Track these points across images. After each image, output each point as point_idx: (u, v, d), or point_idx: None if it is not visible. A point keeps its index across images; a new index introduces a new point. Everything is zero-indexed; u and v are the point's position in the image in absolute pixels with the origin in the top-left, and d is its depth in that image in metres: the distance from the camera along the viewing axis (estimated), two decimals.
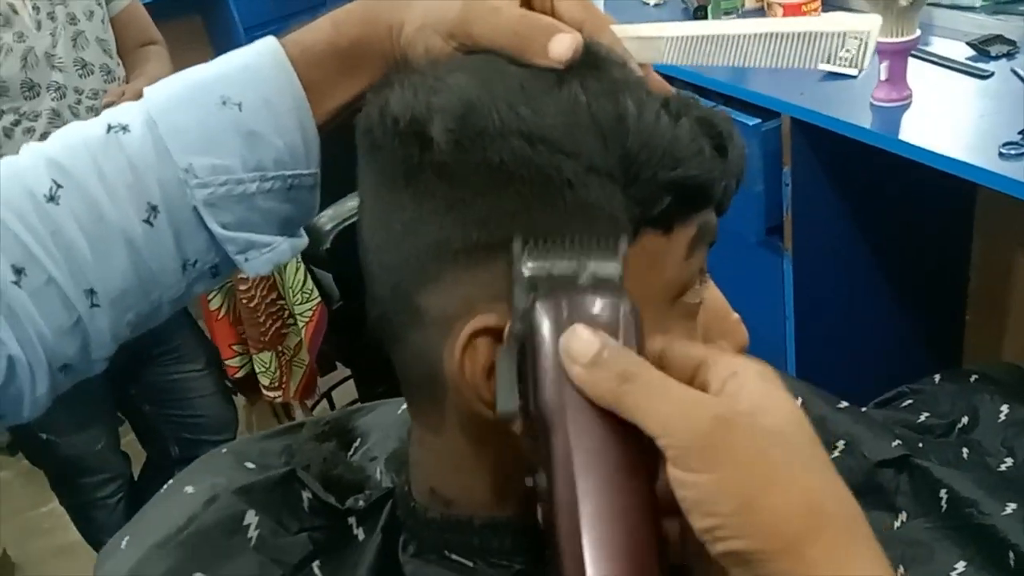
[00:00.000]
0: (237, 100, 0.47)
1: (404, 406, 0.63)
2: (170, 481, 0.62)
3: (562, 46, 0.42)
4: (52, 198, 0.46)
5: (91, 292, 0.47)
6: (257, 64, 0.48)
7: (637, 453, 0.35)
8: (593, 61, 0.44)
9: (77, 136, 0.48)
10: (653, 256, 0.43)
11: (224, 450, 0.63)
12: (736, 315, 0.51)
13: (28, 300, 0.46)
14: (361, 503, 0.54)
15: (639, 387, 0.35)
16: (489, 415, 0.41)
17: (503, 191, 0.41)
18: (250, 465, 0.60)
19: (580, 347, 0.36)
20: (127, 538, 0.57)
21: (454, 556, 0.49)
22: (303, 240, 0.53)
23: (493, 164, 0.40)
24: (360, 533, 0.53)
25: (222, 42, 2.76)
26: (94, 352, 0.50)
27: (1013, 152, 1.02)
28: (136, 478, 1.79)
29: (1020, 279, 1.61)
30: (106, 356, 0.52)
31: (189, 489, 0.58)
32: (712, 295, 0.48)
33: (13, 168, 0.47)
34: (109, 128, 0.47)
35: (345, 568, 0.52)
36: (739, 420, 0.34)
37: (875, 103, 1.24)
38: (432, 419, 0.47)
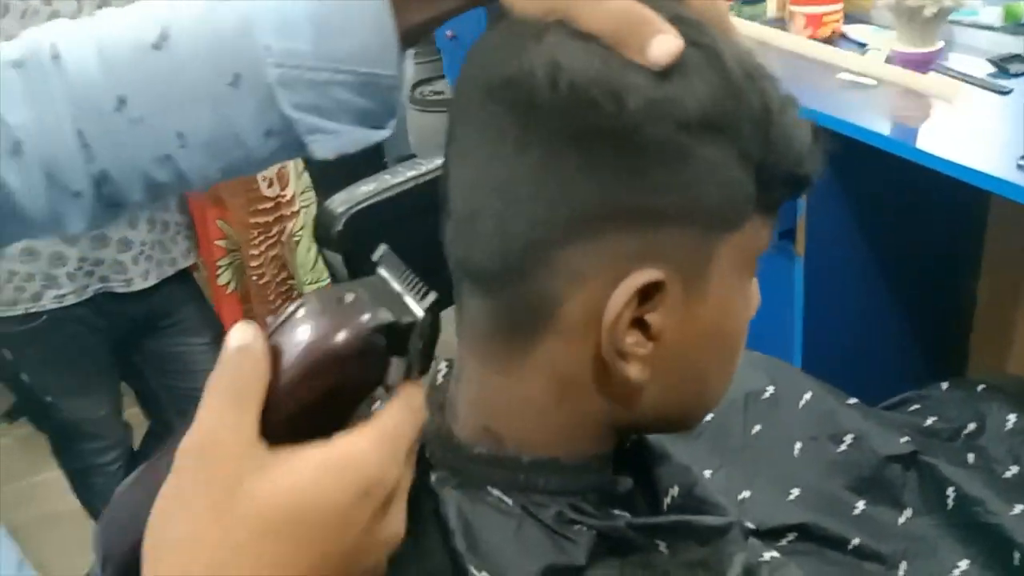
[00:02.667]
0: None
1: None
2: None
3: (662, 49, 0.43)
4: (156, 46, 0.51)
5: (180, 135, 0.53)
6: None
7: None
8: (735, 46, 0.46)
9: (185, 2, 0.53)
10: (754, 232, 0.48)
11: None
12: (754, 279, 0.54)
13: (124, 127, 0.52)
14: None
15: None
16: (620, 365, 0.46)
17: (675, 166, 0.44)
18: None
19: None
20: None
21: (495, 492, 0.50)
22: (381, 132, 0.55)
23: (670, 140, 0.43)
24: None
25: None
26: (193, 184, 0.56)
27: None
28: (137, 448, 1.79)
29: None
30: (203, 188, 0.58)
31: None
32: None
33: (134, 11, 0.53)
34: None
35: None
36: None
37: (894, 112, 1.25)
38: (508, 362, 0.49)
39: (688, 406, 0.54)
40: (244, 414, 0.37)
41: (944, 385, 1.08)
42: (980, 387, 1.06)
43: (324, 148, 0.53)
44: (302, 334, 0.39)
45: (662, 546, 0.51)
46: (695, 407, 0.55)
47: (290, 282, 1.79)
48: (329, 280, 1.75)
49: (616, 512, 0.52)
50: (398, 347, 0.40)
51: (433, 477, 0.52)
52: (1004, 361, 1.66)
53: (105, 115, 0.52)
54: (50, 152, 0.52)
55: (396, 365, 0.40)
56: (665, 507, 0.55)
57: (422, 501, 0.50)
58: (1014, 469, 0.95)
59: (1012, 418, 0.99)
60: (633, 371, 0.47)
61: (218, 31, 0.51)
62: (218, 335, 1.79)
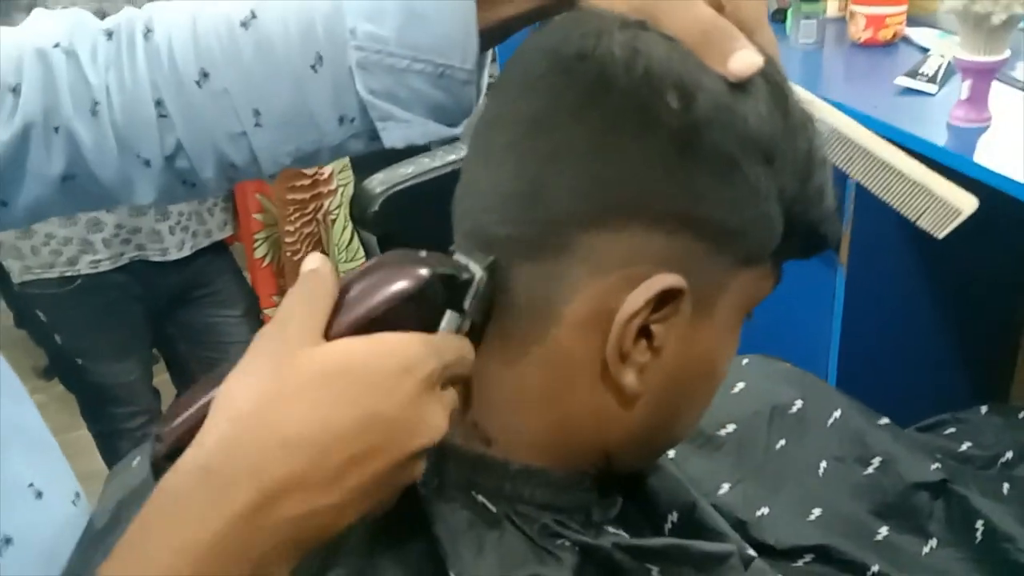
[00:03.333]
0: None
1: None
2: None
3: (743, 63, 0.44)
4: (244, 24, 0.54)
5: (257, 112, 0.55)
6: None
7: None
8: (785, 86, 0.47)
9: None
10: (762, 274, 0.48)
11: None
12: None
13: (205, 100, 0.55)
14: None
15: None
16: (619, 368, 0.45)
17: (724, 179, 0.44)
18: None
19: None
20: (138, 458, 0.57)
21: (479, 497, 0.49)
22: (453, 129, 0.57)
23: (727, 152, 0.43)
24: None
25: None
26: (263, 167, 0.58)
27: None
28: None
29: None
30: (273, 173, 0.60)
31: None
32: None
33: None
34: None
35: None
36: None
37: (952, 123, 1.20)
38: (509, 350, 0.48)
39: (656, 439, 0.52)
40: (313, 314, 0.42)
41: (983, 409, 1.04)
42: (1022, 414, 1.02)
43: (395, 136, 0.55)
44: (371, 272, 0.44)
45: (655, 571, 0.49)
46: (659, 441, 0.53)
47: None
48: (363, 261, 1.75)
49: (611, 530, 0.50)
50: (454, 301, 0.44)
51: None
52: None
53: (187, 87, 0.55)
54: (126, 117, 0.55)
55: (449, 318, 0.44)
56: (666, 532, 0.52)
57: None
58: None
59: None
60: (629, 377, 0.46)
61: (311, 11, 0.54)
62: (251, 307, 1.80)
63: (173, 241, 1.54)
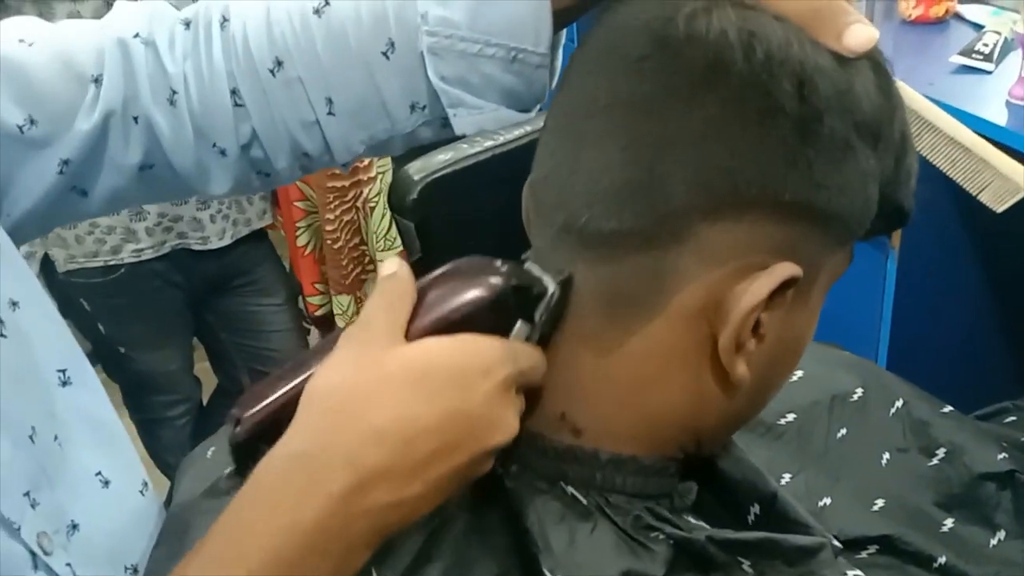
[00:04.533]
0: None
1: None
2: None
3: (859, 38, 0.43)
4: (317, 11, 0.54)
5: (329, 101, 0.55)
6: None
7: None
8: (887, 64, 0.46)
9: None
10: (847, 257, 0.48)
11: None
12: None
13: (278, 88, 0.55)
14: None
15: None
16: (732, 360, 0.45)
17: (839, 165, 0.43)
18: None
19: None
20: (213, 448, 0.57)
21: (569, 489, 0.48)
22: (526, 115, 0.56)
23: (843, 138, 0.43)
24: None
25: None
26: (336, 155, 0.58)
27: None
28: (205, 404, 1.82)
29: None
30: (346, 162, 0.60)
31: None
32: None
33: None
34: None
35: None
36: None
37: (1012, 100, 1.16)
38: (606, 340, 0.47)
39: (743, 418, 0.52)
40: (395, 316, 0.44)
41: None
42: None
43: (466, 123, 0.55)
44: (448, 278, 0.46)
45: (745, 564, 0.48)
46: (744, 420, 0.53)
47: (362, 247, 1.79)
48: (400, 249, 1.74)
49: (693, 521, 0.49)
50: (526, 312, 0.45)
51: (504, 468, 0.49)
52: None
53: (262, 76, 0.55)
54: (203, 107, 0.55)
55: (520, 328, 0.46)
56: (749, 523, 0.51)
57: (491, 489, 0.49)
58: None
59: None
60: (741, 368, 0.45)
61: None
62: (292, 296, 1.80)
63: (214, 229, 1.54)
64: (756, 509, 0.52)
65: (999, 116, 1.15)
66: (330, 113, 0.55)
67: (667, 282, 0.44)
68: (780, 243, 0.43)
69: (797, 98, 0.41)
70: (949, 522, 0.83)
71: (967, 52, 1.31)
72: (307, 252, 1.82)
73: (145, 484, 0.57)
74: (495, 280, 0.45)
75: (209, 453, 0.57)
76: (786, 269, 0.43)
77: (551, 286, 0.45)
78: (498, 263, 0.46)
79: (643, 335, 0.46)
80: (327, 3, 0.54)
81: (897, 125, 0.45)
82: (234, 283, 1.66)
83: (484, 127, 0.55)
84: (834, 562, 0.52)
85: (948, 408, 0.91)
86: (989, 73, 1.27)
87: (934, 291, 1.41)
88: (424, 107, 0.55)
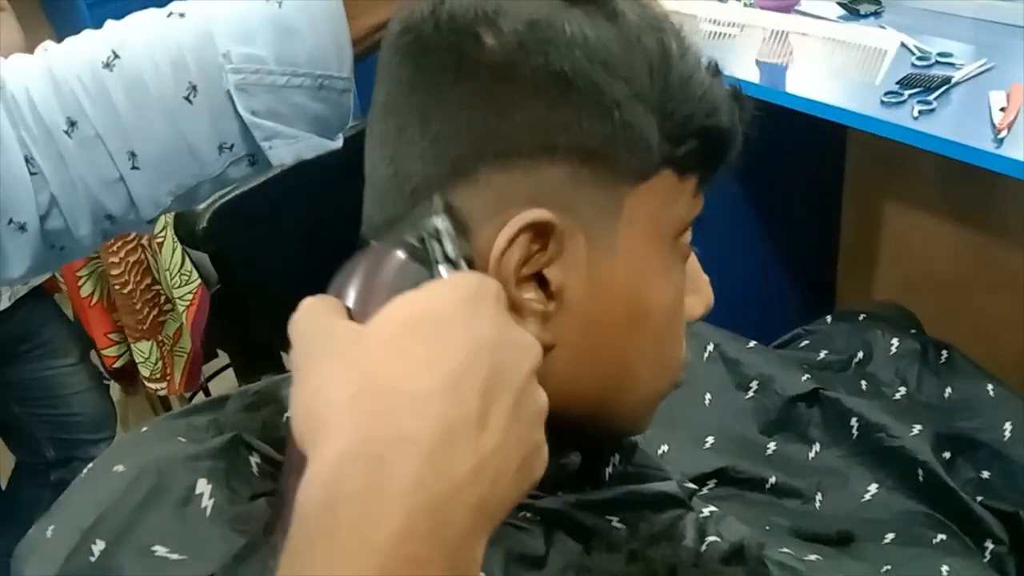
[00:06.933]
0: None
1: None
2: (88, 466, 0.56)
3: None
4: (108, 65, 0.53)
5: (132, 155, 0.54)
6: None
7: None
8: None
9: (143, 18, 0.55)
10: (668, 193, 0.46)
11: (145, 429, 0.58)
12: (706, 277, 0.54)
13: (76, 149, 0.53)
14: None
15: None
16: (522, 323, 0.43)
17: (560, 99, 0.42)
18: (182, 439, 0.55)
19: None
20: (52, 527, 0.51)
21: None
22: (335, 143, 0.57)
23: (554, 71, 0.42)
24: None
25: (61, 20, 2.56)
26: (143, 211, 0.56)
27: (894, 100, 1.08)
28: (3, 488, 1.66)
29: (886, 229, 1.71)
30: (151, 219, 0.58)
31: (119, 468, 0.52)
32: (691, 255, 0.52)
33: (87, 36, 0.55)
34: (170, 14, 0.55)
35: None
36: None
37: (760, 60, 1.28)
38: None
39: (611, 394, 0.49)
40: (333, 313, 0.38)
41: (829, 318, 1.13)
42: (862, 316, 1.11)
43: (282, 154, 0.55)
44: (353, 270, 0.41)
45: (615, 521, 0.50)
46: (621, 398, 0.50)
47: (155, 287, 1.69)
48: (199, 282, 1.66)
49: (561, 494, 0.50)
50: (442, 257, 0.42)
51: None
52: (867, 296, 1.76)
53: (56, 139, 0.52)
54: None
55: (446, 271, 0.42)
56: (607, 476, 0.53)
57: None
58: (902, 390, 1.01)
59: (895, 342, 1.05)
60: (531, 328, 0.43)
61: (177, 42, 0.53)
62: (85, 352, 1.68)
63: None
64: (615, 459, 0.53)
65: (752, 74, 1.26)
66: (134, 168, 0.54)
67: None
68: (532, 193, 0.42)
69: (486, 48, 0.42)
70: (772, 445, 0.91)
71: (713, 20, 1.43)
72: (94, 302, 1.69)
73: None
74: (394, 244, 0.41)
75: (49, 532, 0.52)
76: (525, 216, 0.42)
77: (438, 221, 0.42)
78: (374, 244, 0.42)
79: None
80: (116, 56, 0.53)
81: (646, 43, 0.44)
82: (20, 348, 1.52)
83: (302, 155, 0.55)
84: (687, 501, 0.55)
85: (753, 343, 1.00)
86: (734, 37, 1.38)
87: (717, 238, 1.53)
88: (232, 146, 0.55)
